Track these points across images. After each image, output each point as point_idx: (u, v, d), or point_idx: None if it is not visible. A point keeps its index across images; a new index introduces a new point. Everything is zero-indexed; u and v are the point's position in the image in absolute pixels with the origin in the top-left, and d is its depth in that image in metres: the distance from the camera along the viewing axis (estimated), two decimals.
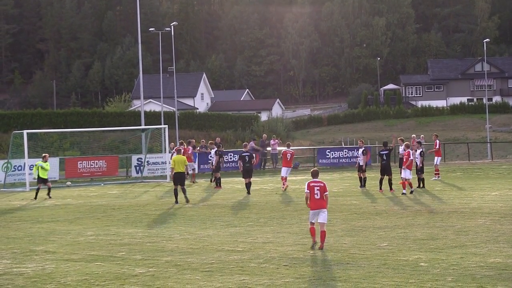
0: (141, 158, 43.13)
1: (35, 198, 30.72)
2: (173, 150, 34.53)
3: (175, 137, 60.10)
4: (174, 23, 72.52)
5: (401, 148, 30.74)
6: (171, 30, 67.53)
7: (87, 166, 42.22)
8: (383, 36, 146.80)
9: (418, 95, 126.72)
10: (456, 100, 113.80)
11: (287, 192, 30.68)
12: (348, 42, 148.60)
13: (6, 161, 39.98)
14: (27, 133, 36.58)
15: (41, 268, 15.30)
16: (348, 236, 18.35)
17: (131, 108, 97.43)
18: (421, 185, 30.82)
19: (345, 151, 49.45)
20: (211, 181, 36.15)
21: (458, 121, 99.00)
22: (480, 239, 17.42)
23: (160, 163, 42.92)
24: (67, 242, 18.78)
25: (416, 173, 30.83)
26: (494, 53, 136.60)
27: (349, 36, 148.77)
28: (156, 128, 45.91)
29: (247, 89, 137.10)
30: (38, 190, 31.31)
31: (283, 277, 13.82)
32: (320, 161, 48.51)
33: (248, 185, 30.26)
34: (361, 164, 31.57)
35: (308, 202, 16.77)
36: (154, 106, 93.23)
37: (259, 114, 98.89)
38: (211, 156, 35.86)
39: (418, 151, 31.09)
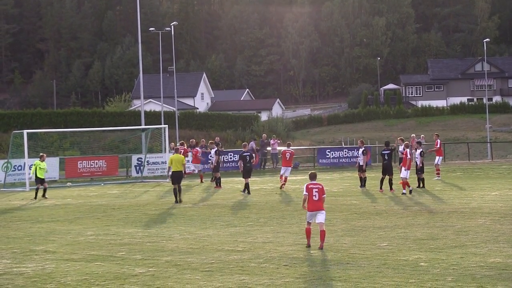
0: (141, 158, 43.13)
1: (35, 197, 30.75)
2: (173, 150, 34.54)
3: (175, 137, 60.10)
4: (174, 23, 72.53)
5: (401, 148, 30.79)
6: (171, 30, 67.55)
7: (87, 166, 42.21)
8: (383, 36, 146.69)
9: (418, 95, 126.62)
10: (456, 100, 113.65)
11: (287, 192, 30.68)
12: (348, 42, 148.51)
13: (6, 161, 39.97)
14: (27, 133, 36.56)
15: (41, 268, 15.30)
16: (348, 236, 18.35)
17: (131, 108, 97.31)
18: (421, 185, 30.82)
19: (345, 151, 49.48)
20: (211, 180, 36.19)
21: (458, 121, 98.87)
22: (480, 239, 17.43)
23: (160, 163, 42.91)
24: (67, 242, 18.79)
25: (416, 173, 30.84)
26: (494, 53, 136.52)
27: (349, 36, 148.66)
28: (156, 128, 45.91)
29: (247, 89, 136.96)
30: (37, 189, 31.29)
31: (283, 277, 13.82)
32: (320, 161, 48.55)
33: (248, 185, 30.27)
34: (361, 164, 31.63)
35: (305, 204, 16.85)
36: (154, 106, 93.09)
37: (259, 114, 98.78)
38: (211, 156, 35.88)
39: (418, 151, 31.08)
